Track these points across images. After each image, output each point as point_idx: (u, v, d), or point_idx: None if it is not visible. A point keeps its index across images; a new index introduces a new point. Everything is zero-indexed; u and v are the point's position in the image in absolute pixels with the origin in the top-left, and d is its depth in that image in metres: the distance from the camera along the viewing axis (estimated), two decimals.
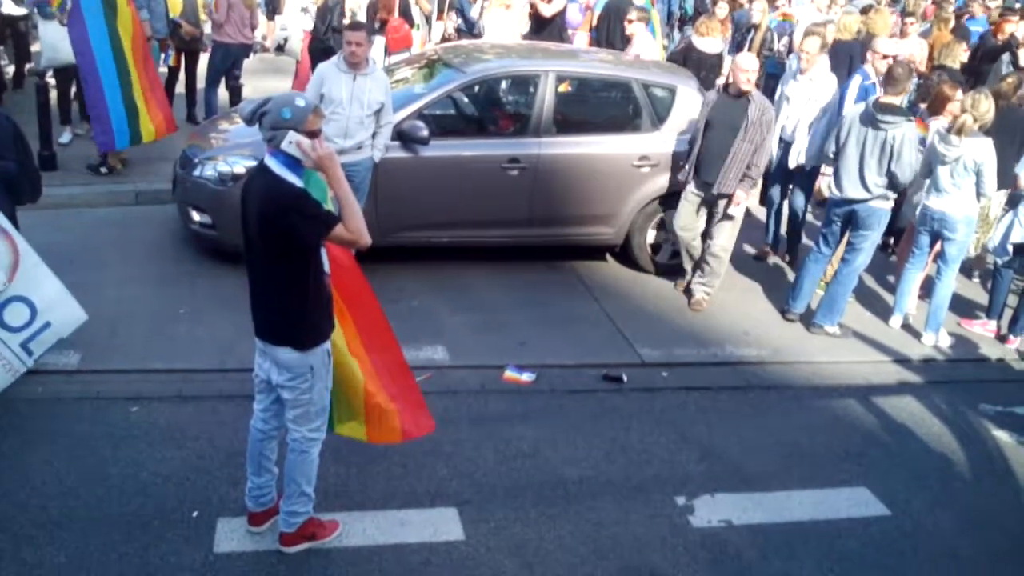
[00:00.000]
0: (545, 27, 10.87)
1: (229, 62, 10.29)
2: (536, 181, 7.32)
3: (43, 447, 4.80)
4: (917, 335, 7.17)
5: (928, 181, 6.94)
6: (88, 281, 6.57)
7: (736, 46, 10.71)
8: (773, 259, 8.42)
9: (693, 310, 7.22)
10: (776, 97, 8.14)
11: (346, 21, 10.55)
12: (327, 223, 3.63)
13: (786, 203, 8.33)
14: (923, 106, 8.02)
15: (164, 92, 8.97)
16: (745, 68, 6.85)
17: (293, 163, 3.63)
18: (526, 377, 5.97)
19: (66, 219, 7.68)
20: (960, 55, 9.56)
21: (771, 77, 11.26)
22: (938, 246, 7.21)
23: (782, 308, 7.35)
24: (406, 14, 10.77)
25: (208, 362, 5.78)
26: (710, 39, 9.98)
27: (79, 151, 9.01)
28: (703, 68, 9.64)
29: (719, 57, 10.23)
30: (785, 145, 7.99)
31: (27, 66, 10.81)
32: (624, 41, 11.30)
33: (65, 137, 9.23)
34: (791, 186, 8.22)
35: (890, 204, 6.77)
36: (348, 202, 3.69)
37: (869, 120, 6.56)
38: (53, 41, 8.67)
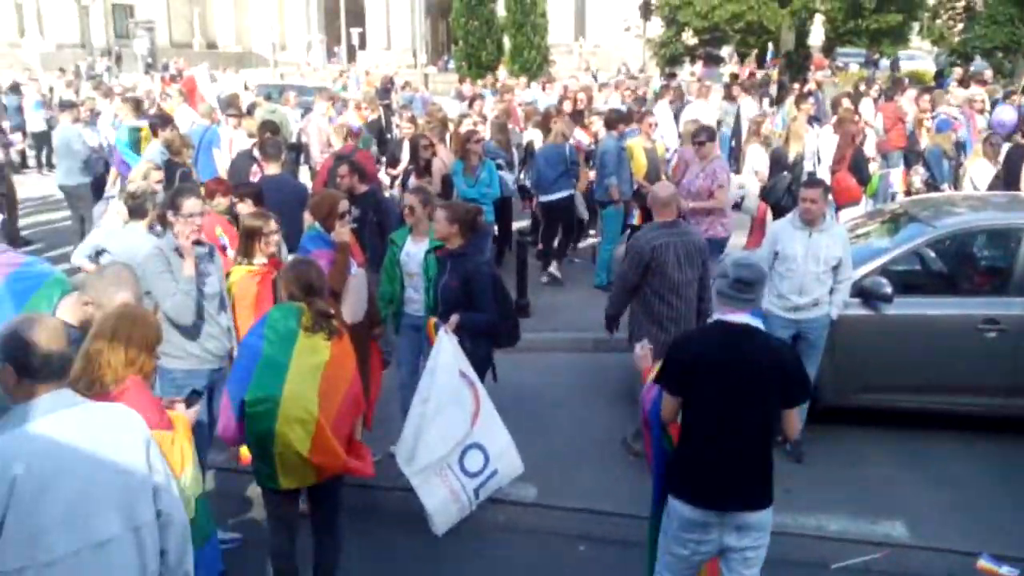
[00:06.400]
0: None
1: None
2: (1018, 345, 6.52)
3: (502, 573, 5.11)
4: None
5: None
6: (547, 419, 7.08)
7: None
8: None
9: None
10: None
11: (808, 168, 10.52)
12: None
13: None
14: None
15: None
16: None
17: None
18: (1005, 571, 5.18)
19: (533, 361, 8.36)
20: None
21: None
22: None
23: None
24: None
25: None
26: None
27: (549, 300, 9.90)
28: None
29: None
30: None
31: None
32: None
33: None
34: None
35: None
36: None
37: None
38: None
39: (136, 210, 6.06)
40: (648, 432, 4.32)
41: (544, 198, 10.51)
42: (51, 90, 22.23)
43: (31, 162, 18.94)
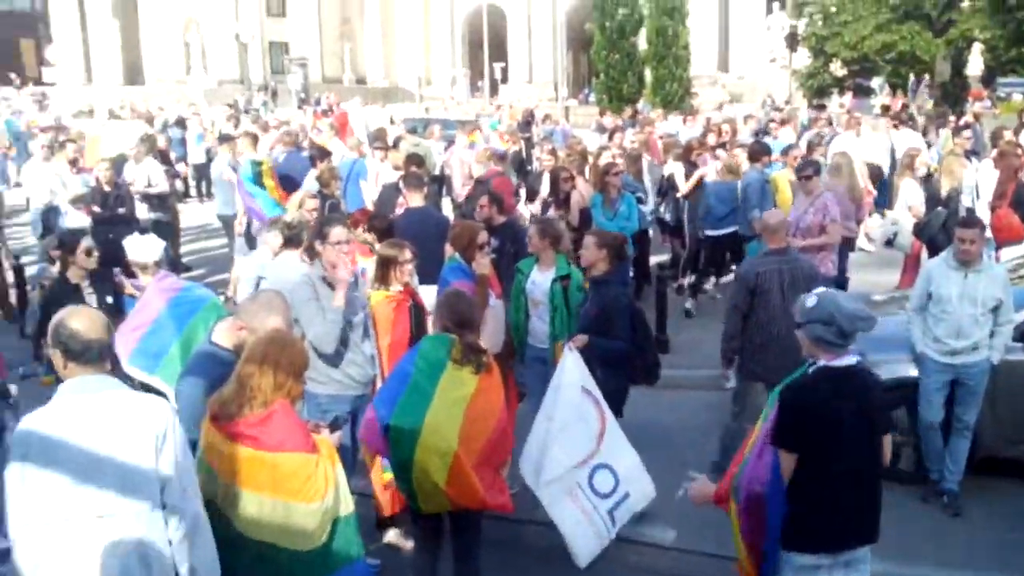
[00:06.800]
0: None
1: None
2: None
3: None
4: None
5: None
6: (685, 459, 6.91)
7: None
8: None
9: None
10: None
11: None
12: None
13: None
14: None
15: None
16: None
17: None
18: None
19: (671, 398, 8.20)
20: None
21: None
22: None
23: None
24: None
25: None
26: None
27: (689, 335, 9.72)
28: None
29: None
30: None
31: None
32: None
33: None
34: None
35: None
36: None
37: None
38: None
39: (292, 239, 6.31)
40: (755, 514, 4.00)
41: (710, 232, 10.51)
42: (212, 123, 23.58)
43: (192, 192, 20.11)
